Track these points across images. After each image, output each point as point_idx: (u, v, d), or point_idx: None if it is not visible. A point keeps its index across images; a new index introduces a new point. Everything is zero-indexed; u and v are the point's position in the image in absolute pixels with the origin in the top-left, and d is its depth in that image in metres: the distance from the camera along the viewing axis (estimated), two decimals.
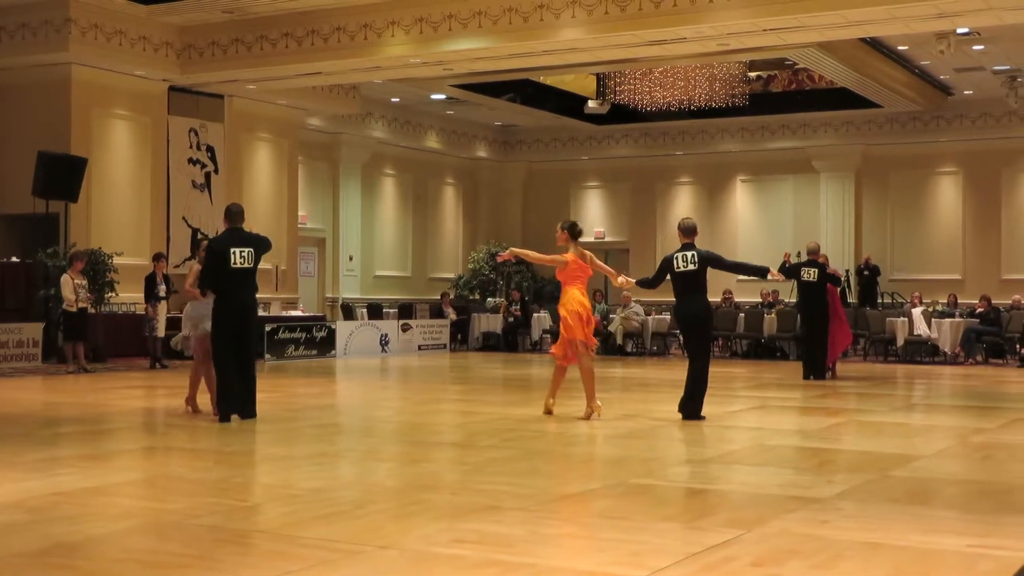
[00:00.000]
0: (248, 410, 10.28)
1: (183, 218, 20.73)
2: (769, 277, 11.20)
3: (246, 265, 10.14)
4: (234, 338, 10.16)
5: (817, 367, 16.18)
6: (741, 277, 26.78)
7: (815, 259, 16.29)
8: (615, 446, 9.04)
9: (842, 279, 17.98)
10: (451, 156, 28.74)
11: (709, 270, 10.73)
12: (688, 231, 10.74)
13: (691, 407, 10.61)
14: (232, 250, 10.11)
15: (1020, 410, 12.25)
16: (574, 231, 10.73)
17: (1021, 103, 23.72)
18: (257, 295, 10.48)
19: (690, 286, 10.58)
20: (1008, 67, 22.12)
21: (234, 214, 10.34)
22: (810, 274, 16.18)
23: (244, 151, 22.15)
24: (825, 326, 16.17)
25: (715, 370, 18.74)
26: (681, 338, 11.01)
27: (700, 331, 10.68)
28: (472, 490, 6.65)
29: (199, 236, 20.05)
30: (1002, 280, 24.85)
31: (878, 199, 26.40)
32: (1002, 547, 5.20)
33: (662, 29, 16.27)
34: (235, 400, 10.16)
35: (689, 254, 10.58)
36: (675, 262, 10.61)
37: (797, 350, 20.69)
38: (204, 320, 10.56)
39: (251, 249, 10.19)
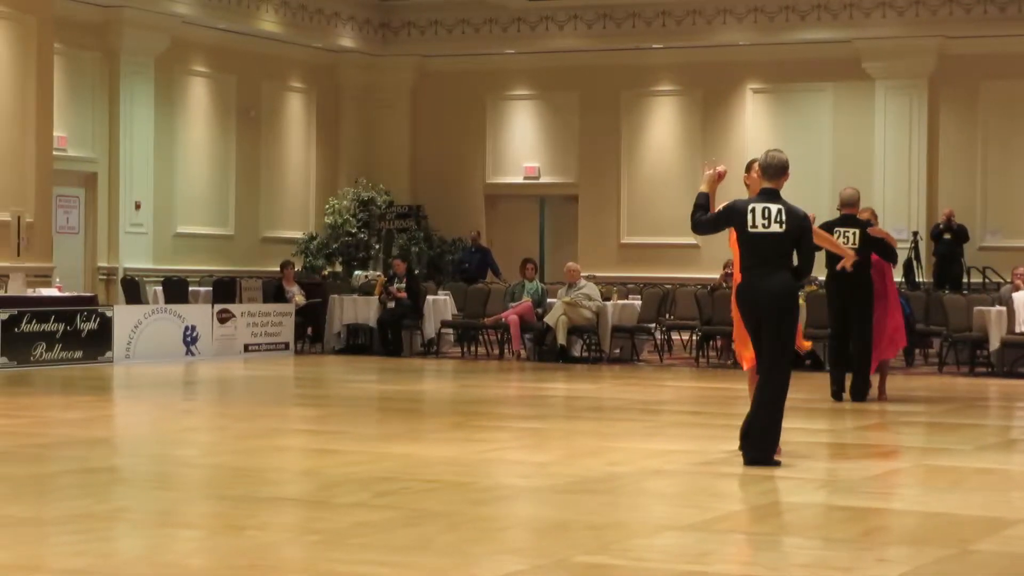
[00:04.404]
0: None
1: None
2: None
3: None
4: None
5: (858, 382, 16.27)
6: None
7: (852, 214, 16.30)
8: (553, 505, 9.05)
9: (897, 248, 17.93)
10: (298, 46, 28.45)
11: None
12: (775, 170, 10.72)
13: (758, 444, 10.54)
14: None
15: None
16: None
17: None
18: None
19: (769, 257, 10.62)
20: None
21: None
22: (847, 238, 16.22)
23: None
24: (868, 319, 16.20)
25: (707, 385, 18.76)
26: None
27: (778, 324, 10.59)
28: (325, 573, 6.62)
29: None
30: None
31: (964, 123, 26.66)
32: None
33: None
34: None
35: (774, 208, 10.57)
36: (749, 217, 10.61)
37: (827, 355, 20.79)
38: None
39: None
